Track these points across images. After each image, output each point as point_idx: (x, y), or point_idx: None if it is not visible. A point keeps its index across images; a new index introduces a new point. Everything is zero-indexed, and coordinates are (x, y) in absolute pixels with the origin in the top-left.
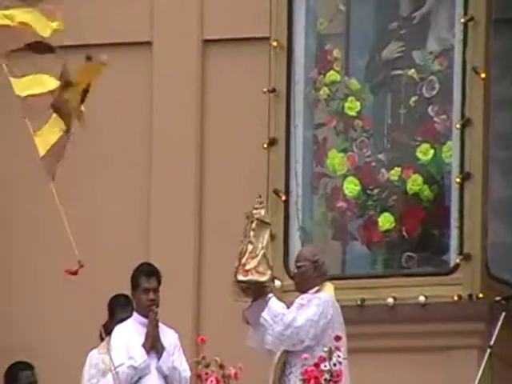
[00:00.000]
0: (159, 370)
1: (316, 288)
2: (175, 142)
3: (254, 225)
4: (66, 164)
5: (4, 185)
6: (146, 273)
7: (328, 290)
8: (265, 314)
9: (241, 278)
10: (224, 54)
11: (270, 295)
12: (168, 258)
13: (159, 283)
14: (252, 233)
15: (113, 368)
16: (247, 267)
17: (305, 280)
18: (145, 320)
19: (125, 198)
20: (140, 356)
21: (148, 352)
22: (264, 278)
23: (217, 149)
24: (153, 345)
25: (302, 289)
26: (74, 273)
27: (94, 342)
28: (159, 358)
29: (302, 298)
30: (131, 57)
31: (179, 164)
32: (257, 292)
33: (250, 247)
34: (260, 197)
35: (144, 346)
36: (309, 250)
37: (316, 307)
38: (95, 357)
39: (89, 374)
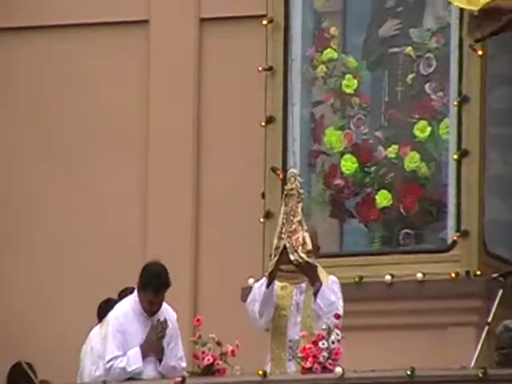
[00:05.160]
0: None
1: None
2: (173, 120)
3: (301, 205)
4: (63, 144)
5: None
6: (156, 288)
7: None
8: (319, 301)
9: (310, 260)
10: (221, 32)
11: (321, 282)
12: (165, 238)
13: (167, 290)
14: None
15: (105, 360)
16: (309, 248)
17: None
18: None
19: (122, 178)
20: (135, 361)
21: (145, 356)
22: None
23: (214, 127)
24: (152, 350)
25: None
26: None
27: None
28: (160, 361)
29: (332, 283)
30: (128, 35)
31: (177, 142)
32: (312, 273)
33: (305, 228)
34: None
35: (142, 350)
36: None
37: (339, 292)
38: (97, 340)
39: (91, 361)
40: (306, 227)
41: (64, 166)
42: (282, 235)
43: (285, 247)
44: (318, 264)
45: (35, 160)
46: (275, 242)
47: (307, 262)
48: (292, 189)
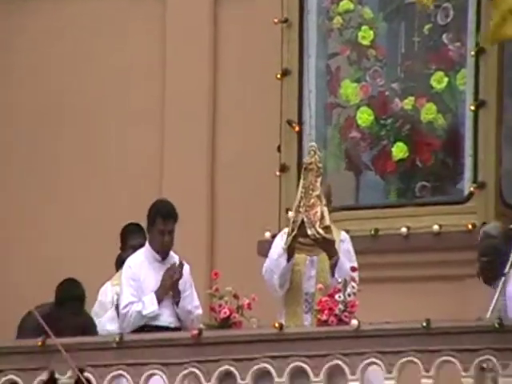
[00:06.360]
0: (175, 314)
1: None
2: (188, 74)
3: (320, 179)
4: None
5: None
6: (163, 214)
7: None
8: (337, 275)
9: (327, 236)
10: None
11: (339, 255)
12: (181, 192)
13: (175, 222)
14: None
15: (121, 307)
16: (327, 223)
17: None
18: (158, 256)
19: (139, 134)
20: (150, 304)
21: (160, 301)
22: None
23: (229, 80)
24: (167, 294)
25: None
26: None
27: (107, 274)
28: (176, 304)
29: (348, 242)
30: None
31: (193, 96)
32: (329, 248)
33: (324, 204)
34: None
35: (157, 294)
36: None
37: (352, 249)
38: (108, 289)
39: (99, 307)
40: (324, 202)
41: (79, 128)
42: (300, 209)
43: (302, 221)
44: (335, 239)
45: (45, 117)
46: (293, 215)
47: (324, 238)
48: (311, 163)
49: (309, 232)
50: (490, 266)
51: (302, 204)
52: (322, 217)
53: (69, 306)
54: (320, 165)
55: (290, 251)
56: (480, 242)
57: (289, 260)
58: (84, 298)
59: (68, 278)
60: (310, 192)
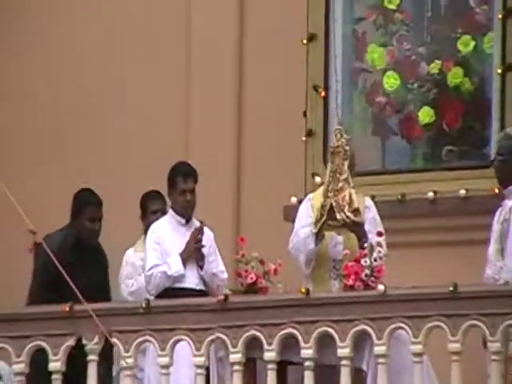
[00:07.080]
0: (200, 277)
1: None
2: (214, 38)
3: (347, 162)
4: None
5: None
6: (183, 173)
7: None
8: None
9: (356, 219)
10: None
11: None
12: (207, 157)
13: (196, 182)
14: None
15: (146, 270)
16: (355, 206)
17: None
18: (181, 219)
19: (164, 92)
20: (175, 265)
21: (185, 263)
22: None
23: (256, 44)
24: (192, 257)
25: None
26: (32, 247)
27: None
28: (201, 267)
29: (373, 209)
30: None
31: (219, 61)
32: (358, 230)
33: (351, 185)
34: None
35: (182, 255)
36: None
37: (377, 216)
38: (132, 255)
39: (126, 272)
40: (352, 184)
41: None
42: (329, 193)
43: (331, 206)
44: (364, 221)
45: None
46: (321, 200)
47: (354, 221)
48: (338, 146)
49: (338, 217)
50: (505, 166)
51: (330, 188)
52: (351, 200)
53: (87, 212)
54: (347, 148)
55: (319, 236)
56: (498, 142)
57: (317, 244)
58: (101, 203)
59: (83, 188)
60: (338, 176)
